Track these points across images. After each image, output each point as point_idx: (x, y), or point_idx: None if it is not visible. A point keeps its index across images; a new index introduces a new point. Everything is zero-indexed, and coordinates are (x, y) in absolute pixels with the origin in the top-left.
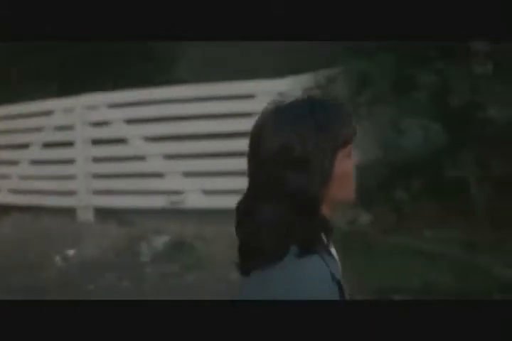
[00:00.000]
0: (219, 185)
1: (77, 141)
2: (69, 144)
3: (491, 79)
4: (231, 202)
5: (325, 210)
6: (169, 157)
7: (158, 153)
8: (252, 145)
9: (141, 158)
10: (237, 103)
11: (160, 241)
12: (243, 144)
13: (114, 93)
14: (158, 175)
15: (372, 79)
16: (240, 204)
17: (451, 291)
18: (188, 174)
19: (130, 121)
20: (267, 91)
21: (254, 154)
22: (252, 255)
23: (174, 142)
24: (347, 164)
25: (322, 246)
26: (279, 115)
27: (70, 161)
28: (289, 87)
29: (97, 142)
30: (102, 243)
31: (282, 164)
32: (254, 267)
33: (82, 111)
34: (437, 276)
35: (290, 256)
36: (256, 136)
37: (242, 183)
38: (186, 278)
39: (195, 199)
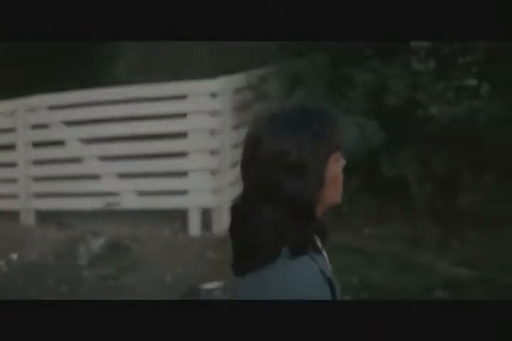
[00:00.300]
0: (153, 186)
1: (18, 143)
2: (11, 147)
3: (431, 77)
4: (165, 202)
5: (318, 213)
6: (105, 158)
7: (95, 154)
8: (249, 150)
9: (78, 160)
10: (170, 104)
11: (97, 244)
12: (177, 145)
13: (55, 95)
14: (95, 177)
15: (306, 79)
16: (236, 205)
17: (392, 289)
18: (123, 175)
19: (69, 123)
20: (199, 92)
21: (251, 159)
22: (247, 256)
23: (109, 143)
24: (337, 168)
25: (313, 248)
26: (275, 122)
27: (12, 164)
28: (221, 87)
29: (37, 145)
30: (43, 246)
31: (279, 169)
32: (248, 268)
33: (23, 114)
34: (378, 274)
35: (282, 257)
36: (253, 142)
37: (176, 184)
38: (122, 280)
39: (130, 201)
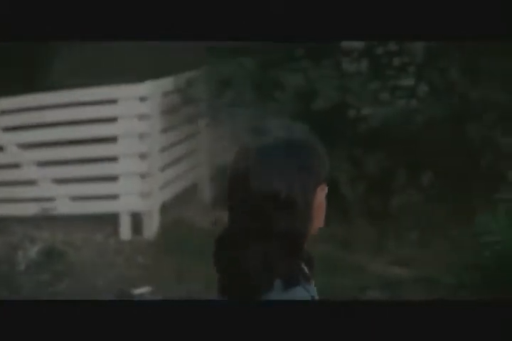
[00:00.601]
0: (86, 191)
1: None
2: None
3: (364, 78)
4: (97, 207)
5: None
6: (41, 164)
7: (31, 160)
8: (236, 186)
9: (15, 165)
10: (101, 108)
11: (33, 250)
12: (108, 149)
13: None
14: (31, 183)
15: (234, 81)
16: (223, 239)
17: (325, 289)
18: (58, 181)
19: (6, 129)
20: (128, 96)
21: (239, 195)
22: (239, 289)
23: (44, 149)
24: (322, 196)
25: (304, 278)
26: (263, 158)
27: None
28: (150, 90)
29: None
30: None
31: (269, 206)
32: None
33: None
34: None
35: (276, 290)
36: (241, 178)
37: (107, 188)
38: (58, 286)
39: (64, 206)
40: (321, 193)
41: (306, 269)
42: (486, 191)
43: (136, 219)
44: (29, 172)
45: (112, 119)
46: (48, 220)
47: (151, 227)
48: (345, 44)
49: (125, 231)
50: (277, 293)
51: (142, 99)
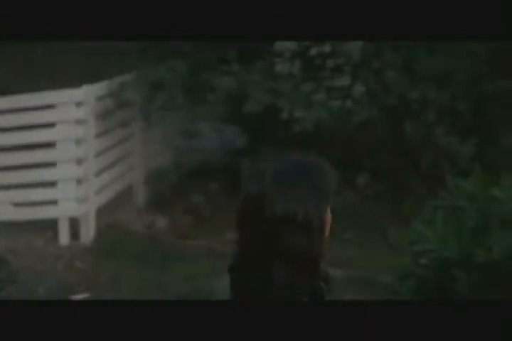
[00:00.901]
0: (27, 197)
1: None
2: None
3: (296, 79)
4: (37, 213)
5: None
6: None
7: None
8: (251, 208)
9: None
10: (39, 114)
11: None
12: (46, 154)
13: None
14: None
15: (166, 84)
16: (239, 263)
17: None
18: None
19: None
20: (66, 101)
21: (254, 217)
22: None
23: None
24: (329, 214)
25: (322, 296)
26: (278, 180)
27: None
28: (85, 95)
29: None
30: None
31: (286, 227)
32: None
33: None
34: None
35: None
36: (256, 201)
37: (47, 194)
38: (1, 293)
39: (6, 212)
40: (329, 212)
41: (324, 286)
42: (425, 191)
43: (75, 224)
44: None
45: (50, 125)
46: None
47: (88, 232)
48: (278, 45)
49: (64, 237)
50: None
51: (78, 104)
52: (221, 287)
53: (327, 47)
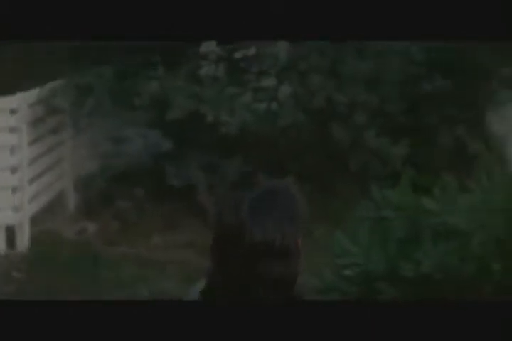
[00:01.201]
0: None
1: None
2: None
3: (221, 83)
4: None
5: None
6: None
7: None
8: (229, 236)
9: None
10: None
11: None
12: None
13: None
14: None
15: (94, 90)
16: (212, 289)
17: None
18: None
19: None
20: (0, 109)
21: (232, 245)
22: None
23: None
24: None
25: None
26: (255, 209)
27: None
28: (19, 103)
29: None
30: None
31: (265, 254)
32: None
33: None
34: (169, 284)
35: None
36: (234, 229)
37: None
38: None
39: None
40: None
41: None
42: (353, 194)
43: (10, 233)
44: None
45: None
46: None
47: (23, 240)
48: (203, 48)
49: (0, 246)
50: None
51: (13, 111)
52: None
53: (252, 50)
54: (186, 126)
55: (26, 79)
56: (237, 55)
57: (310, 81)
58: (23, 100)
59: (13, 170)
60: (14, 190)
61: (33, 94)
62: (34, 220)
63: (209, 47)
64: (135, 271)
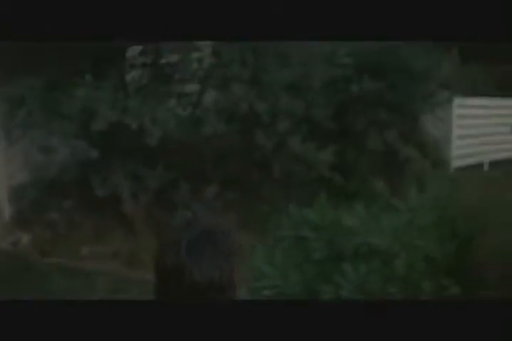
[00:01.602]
0: None
1: None
2: None
3: (144, 91)
4: None
5: None
6: None
7: None
8: (169, 277)
9: None
10: None
11: None
12: None
13: None
14: None
15: (24, 101)
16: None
17: None
18: None
19: None
20: None
21: (172, 285)
22: None
23: None
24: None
25: None
26: (192, 251)
27: None
28: None
29: None
30: None
31: (205, 292)
32: None
33: None
34: (96, 295)
35: None
36: (173, 270)
37: None
38: None
39: None
40: None
41: None
42: (277, 199)
43: None
44: None
45: None
46: None
47: None
48: (130, 52)
49: None
50: None
51: None
52: None
53: (175, 57)
54: (112, 136)
55: None
56: (162, 60)
57: (232, 88)
58: None
59: None
60: None
61: None
62: None
63: (134, 52)
64: (65, 282)
